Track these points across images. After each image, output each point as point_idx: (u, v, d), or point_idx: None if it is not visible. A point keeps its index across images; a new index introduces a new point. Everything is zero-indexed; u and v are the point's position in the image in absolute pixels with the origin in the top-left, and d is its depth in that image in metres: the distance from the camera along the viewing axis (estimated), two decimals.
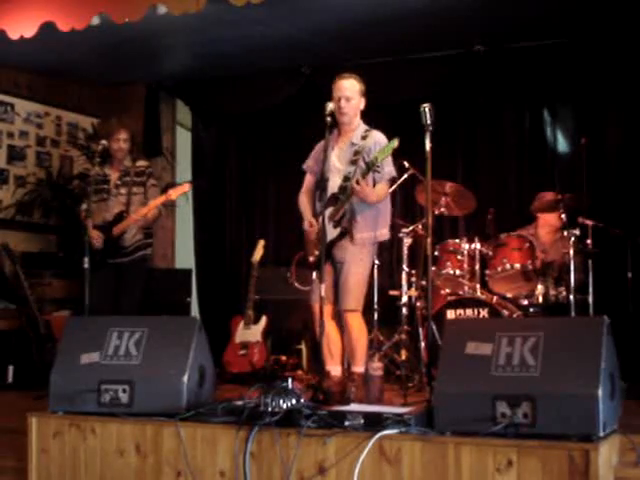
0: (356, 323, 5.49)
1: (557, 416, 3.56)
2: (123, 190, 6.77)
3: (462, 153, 8.30)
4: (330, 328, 5.44)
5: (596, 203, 6.78)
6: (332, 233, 5.45)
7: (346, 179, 5.47)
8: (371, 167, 5.28)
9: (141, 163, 6.94)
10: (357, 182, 5.28)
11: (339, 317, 5.59)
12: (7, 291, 7.64)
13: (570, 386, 3.60)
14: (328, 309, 5.40)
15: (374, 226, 5.54)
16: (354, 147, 5.53)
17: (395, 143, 5.22)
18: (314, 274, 5.59)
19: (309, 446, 3.86)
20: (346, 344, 5.56)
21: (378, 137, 5.54)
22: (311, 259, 5.61)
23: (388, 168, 5.48)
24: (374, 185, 5.45)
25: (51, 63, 8.37)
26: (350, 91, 5.53)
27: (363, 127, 5.62)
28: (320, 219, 5.29)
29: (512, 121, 8.18)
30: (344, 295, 5.47)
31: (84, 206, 6.83)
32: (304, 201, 5.80)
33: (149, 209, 6.65)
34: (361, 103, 5.61)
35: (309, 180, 5.83)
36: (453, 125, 8.09)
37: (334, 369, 5.51)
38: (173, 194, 6.68)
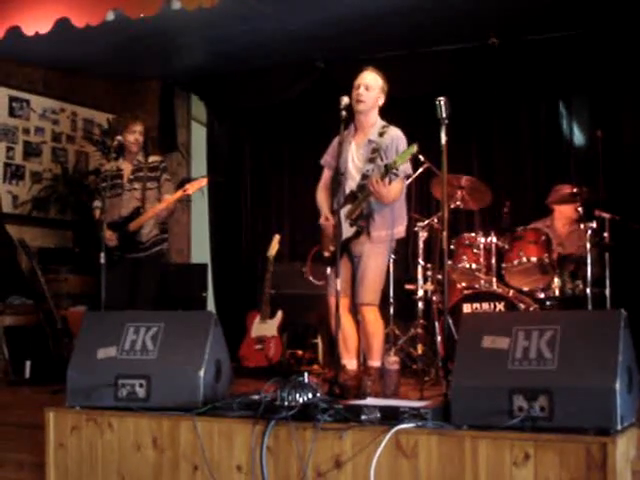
0: (372, 317, 5.49)
1: (574, 409, 3.55)
2: (137, 185, 6.74)
3: (478, 146, 8.30)
4: (346, 322, 5.44)
5: (613, 196, 6.75)
6: (348, 231, 5.44)
7: (364, 177, 5.46)
8: (389, 170, 5.26)
9: (154, 158, 6.90)
10: (376, 181, 5.27)
11: (356, 311, 5.59)
12: (24, 287, 7.67)
13: (587, 379, 3.58)
14: (344, 302, 5.40)
15: (391, 224, 5.54)
16: (372, 144, 5.52)
17: (414, 149, 5.21)
18: (329, 269, 5.59)
19: (326, 440, 3.86)
20: (362, 338, 5.56)
21: (395, 134, 5.52)
22: (326, 254, 5.62)
23: (404, 166, 5.45)
24: (390, 183, 5.44)
25: (66, 59, 8.40)
26: (371, 81, 5.54)
27: (381, 123, 5.61)
28: (336, 216, 5.28)
29: (528, 114, 8.18)
30: (361, 289, 5.47)
31: (97, 203, 6.84)
32: (322, 196, 5.80)
33: (166, 205, 6.63)
34: (380, 98, 5.59)
35: (327, 175, 5.82)
36: (469, 118, 8.08)
37: (350, 363, 5.51)
38: (190, 189, 6.65)
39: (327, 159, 5.82)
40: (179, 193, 6.64)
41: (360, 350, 5.68)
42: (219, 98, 9.27)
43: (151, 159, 6.87)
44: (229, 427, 4.08)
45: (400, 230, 5.64)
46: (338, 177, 5.35)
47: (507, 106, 8.21)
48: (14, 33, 6.22)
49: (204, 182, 6.80)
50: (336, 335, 4.99)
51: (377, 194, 5.32)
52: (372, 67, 5.63)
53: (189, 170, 9.62)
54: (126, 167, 6.81)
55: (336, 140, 5.70)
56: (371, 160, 5.50)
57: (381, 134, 5.54)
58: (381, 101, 5.62)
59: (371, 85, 5.53)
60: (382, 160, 5.45)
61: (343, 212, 5.44)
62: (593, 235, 6.32)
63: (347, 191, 5.52)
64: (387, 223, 5.52)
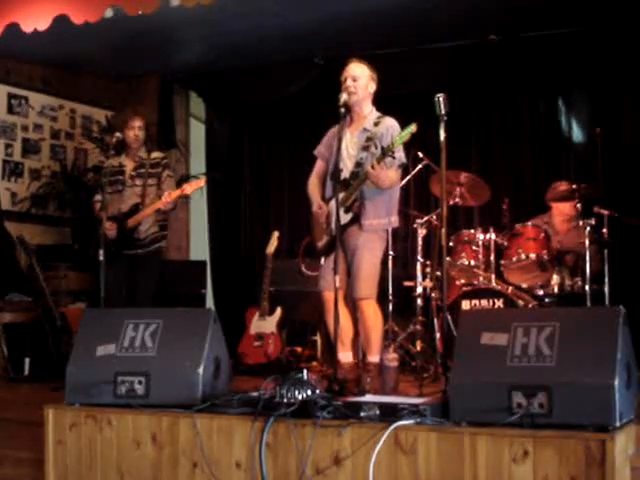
0: (371, 311, 5.49)
1: (573, 406, 3.55)
2: (138, 182, 6.75)
3: (477, 143, 8.29)
4: (342, 314, 5.44)
5: (611, 192, 6.75)
6: (343, 218, 5.43)
7: (358, 165, 5.47)
8: (387, 152, 5.25)
9: (156, 155, 6.90)
10: (372, 167, 5.27)
11: (353, 305, 5.59)
12: (23, 284, 7.67)
13: (586, 376, 3.58)
14: (339, 295, 5.40)
15: (383, 213, 5.54)
16: (366, 133, 5.52)
17: (413, 128, 5.17)
18: (322, 260, 5.58)
19: (325, 437, 3.86)
20: (361, 333, 5.55)
21: (390, 123, 5.53)
22: (319, 245, 5.61)
23: (399, 154, 5.44)
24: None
25: (65, 56, 8.39)
26: (357, 72, 5.54)
27: (376, 114, 5.62)
28: (332, 209, 5.29)
29: (527, 110, 8.17)
30: (357, 283, 5.46)
31: (98, 197, 6.84)
32: (313, 186, 5.80)
33: (163, 203, 6.60)
34: (370, 87, 5.59)
35: (319, 165, 5.82)
36: (468, 115, 8.07)
37: (344, 356, 5.51)
38: (188, 189, 6.64)
39: (320, 150, 5.82)
40: (177, 192, 6.64)
41: (356, 344, 5.67)
42: (218, 95, 9.27)
43: (153, 155, 6.87)
44: (228, 424, 4.08)
45: (392, 220, 5.62)
46: (337, 173, 5.34)
47: (506, 103, 8.20)
48: (13, 30, 6.20)
49: (202, 182, 6.77)
50: (335, 330, 4.98)
51: (375, 178, 5.30)
52: (356, 58, 5.64)
53: (188, 167, 9.60)
54: (128, 163, 6.82)
55: (330, 131, 5.71)
56: (365, 148, 5.50)
57: (376, 124, 5.54)
58: (372, 88, 5.61)
59: (357, 75, 5.54)
60: (376, 148, 5.44)
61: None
62: (592, 232, 6.32)
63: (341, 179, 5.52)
64: (379, 212, 5.52)
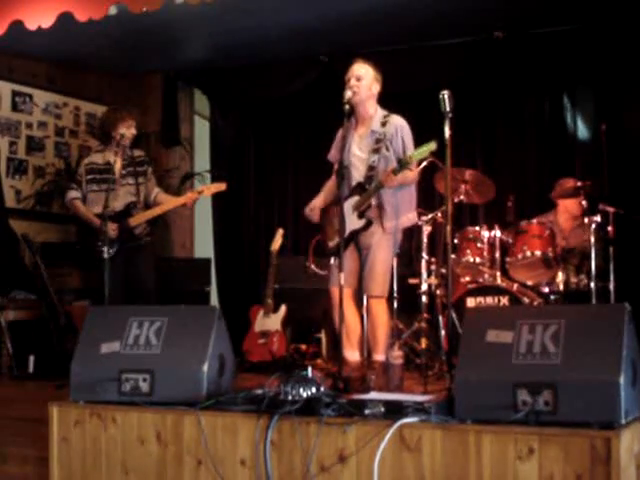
0: (381, 310, 5.50)
1: (578, 404, 3.54)
2: (130, 180, 6.75)
3: (481, 140, 8.28)
4: (349, 313, 5.44)
5: (617, 189, 6.74)
6: (357, 223, 5.45)
7: (371, 168, 5.46)
8: (404, 166, 5.26)
9: (139, 152, 6.96)
10: (386, 179, 5.29)
11: (361, 303, 5.59)
12: (27, 281, 7.67)
13: (591, 374, 3.57)
14: (348, 293, 5.41)
15: (397, 214, 5.54)
16: (375, 135, 5.51)
17: (433, 146, 5.18)
18: (332, 259, 5.59)
19: (329, 434, 3.86)
20: (369, 330, 5.55)
21: (398, 123, 5.52)
22: (330, 244, 5.61)
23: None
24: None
25: (69, 53, 8.39)
26: (361, 72, 5.54)
27: (381, 113, 5.61)
28: (345, 210, 5.30)
29: (532, 107, 8.16)
30: (370, 282, 5.47)
31: (76, 194, 6.80)
32: (324, 188, 5.82)
33: (178, 203, 6.65)
34: (374, 87, 5.58)
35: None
36: (472, 112, 8.06)
37: (351, 354, 5.52)
38: (207, 191, 6.70)
39: (333, 153, 5.83)
40: (195, 194, 6.68)
41: (363, 342, 5.67)
42: (222, 92, 9.26)
43: (136, 153, 6.92)
44: (233, 422, 4.08)
45: (410, 217, 5.64)
46: (341, 171, 5.35)
47: (511, 99, 8.19)
48: (17, 27, 6.20)
49: (223, 187, 6.75)
50: (339, 328, 4.98)
51: (391, 185, 5.32)
52: (361, 58, 5.64)
53: (192, 165, 9.60)
54: (116, 161, 6.77)
55: (339, 133, 5.70)
56: (375, 151, 5.49)
57: (383, 124, 5.53)
58: (375, 89, 5.60)
59: (361, 75, 5.53)
60: (387, 150, 5.46)
61: (350, 203, 5.44)
62: (597, 229, 6.31)
63: (353, 183, 5.53)
64: (394, 213, 5.53)
